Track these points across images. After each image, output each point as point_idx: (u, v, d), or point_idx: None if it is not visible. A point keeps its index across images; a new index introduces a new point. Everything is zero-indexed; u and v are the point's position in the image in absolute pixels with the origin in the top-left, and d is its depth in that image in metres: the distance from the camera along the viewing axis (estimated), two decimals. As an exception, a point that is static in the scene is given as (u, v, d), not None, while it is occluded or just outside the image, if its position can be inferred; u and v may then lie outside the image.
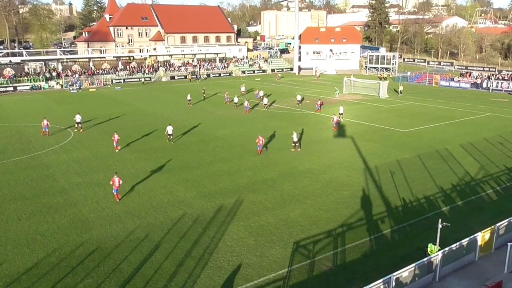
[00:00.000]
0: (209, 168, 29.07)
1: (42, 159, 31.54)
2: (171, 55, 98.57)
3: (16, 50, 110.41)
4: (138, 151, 33.57)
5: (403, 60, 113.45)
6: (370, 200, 23.45)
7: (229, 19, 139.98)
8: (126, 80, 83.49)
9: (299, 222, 20.77)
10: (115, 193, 23.78)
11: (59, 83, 77.41)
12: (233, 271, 16.62)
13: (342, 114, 44.30)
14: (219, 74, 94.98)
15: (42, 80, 76.67)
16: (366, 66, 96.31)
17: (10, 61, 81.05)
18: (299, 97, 54.53)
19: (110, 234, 19.72)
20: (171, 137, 36.09)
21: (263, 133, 35.89)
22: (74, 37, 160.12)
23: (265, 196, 24.08)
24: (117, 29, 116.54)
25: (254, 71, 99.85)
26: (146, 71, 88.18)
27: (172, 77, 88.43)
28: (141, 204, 23.05)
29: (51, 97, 64.50)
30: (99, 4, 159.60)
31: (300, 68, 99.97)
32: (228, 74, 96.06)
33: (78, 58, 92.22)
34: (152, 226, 20.44)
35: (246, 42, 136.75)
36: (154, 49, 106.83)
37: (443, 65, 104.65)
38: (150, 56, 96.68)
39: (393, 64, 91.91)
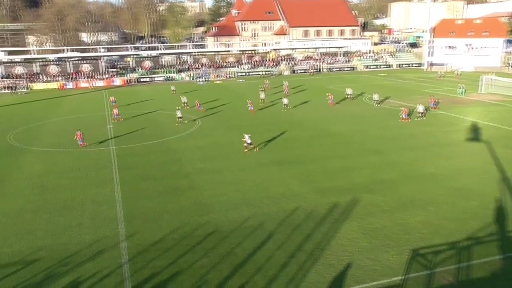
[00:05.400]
0: (324, 164, 28.74)
1: (171, 145, 34.39)
2: (293, 49, 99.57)
3: (154, 44, 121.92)
4: (255, 142, 34.46)
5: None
6: (505, 214, 20.85)
7: (355, 12, 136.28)
8: (249, 74, 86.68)
9: (418, 229, 19.40)
10: (80, 143, 33.33)
11: (188, 75, 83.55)
12: (344, 271, 16.22)
13: (350, 94, 47.57)
14: (341, 69, 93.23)
15: (174, 72, 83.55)
16: (509, 63, 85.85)
17: (149, 54, 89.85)
18: (420, 109, 41.93)
19: (227, 219, 20.70)
20: (181, 119, 41.28)
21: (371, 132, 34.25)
22: (204, 32, 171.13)
23: (383, 197, 23.00)
24: (243, 24, 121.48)
25: (378, 66, 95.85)
26: (269, 65, 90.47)
27: (294, 71, 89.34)
28: (257, 194, 23.74)
29: (181, 88, 69.90)
30: (227, 0, 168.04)
31: (431, 64, 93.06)
32: (351, 68, 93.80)
33: (206, 52, 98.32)
34: (266, 216, 20.94)
35: (372, 35, 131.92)
36: (277, 43, 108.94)
37: None
38: (272, 49, 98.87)
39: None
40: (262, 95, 52.40)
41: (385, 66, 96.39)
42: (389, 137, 35.41)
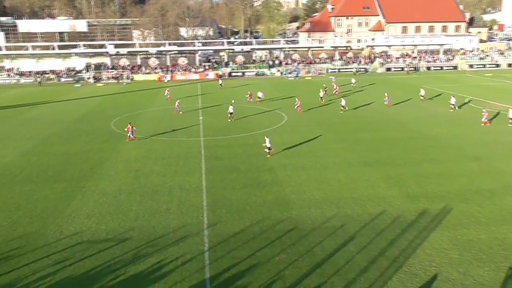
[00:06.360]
0: (416, 168, 27.14)
1: (257, 138, 34.85)
2: (389, 46, 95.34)
3: (248, 39, 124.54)
4: (344, 141, 33.78)
5: None
6: None
7: (461, 6, 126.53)
8: (341, 70, 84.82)
9: (520, 246, 17.51)
10: (130, 135, 34.31)
11: (279, 70, 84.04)
12: (429, 282, 15.21)
13: (454, 104, 43.74)
14: (441, 67, 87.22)
15: (265, 67, 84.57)
16: None
17: (242, 49, 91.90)
18: (511, 114, 37.56)
19: (308, 217, 20.46)
20: (231, 115, 40.93)
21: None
22: (297, 28, 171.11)
23: (479, 208, 21.10)
24: (338, 19, 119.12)
25: (484, 65, 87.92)
26: (362, 62, 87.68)
27: (388, 69, 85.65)
28: (341, 194, 23.16)
29: (270, 83, 70.63)
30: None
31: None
32: (452, 67, 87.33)
33: (298, 48, 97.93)
34: (348, 217, 20.34)
35: (479, 32, 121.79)
36: (372, 39, 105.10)
37: None
38: (367, 46, 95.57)
39: None
40: (321, 93, 51.20)
41: (493, 66, 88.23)
42: (491, 142, 32.45)
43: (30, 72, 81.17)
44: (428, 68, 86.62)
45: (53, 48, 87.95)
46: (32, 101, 56.91)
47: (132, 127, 34.98)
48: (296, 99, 46.39)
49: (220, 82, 68.49)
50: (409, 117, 41.95)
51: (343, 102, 45.08)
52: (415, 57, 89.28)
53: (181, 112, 45.23)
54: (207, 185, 24.77)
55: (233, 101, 41.70)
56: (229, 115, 41.37)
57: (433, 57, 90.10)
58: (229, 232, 19.07)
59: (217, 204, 22.03)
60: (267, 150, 29.57)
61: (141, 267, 16.43)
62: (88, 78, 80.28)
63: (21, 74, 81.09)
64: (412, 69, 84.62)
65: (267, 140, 29.59)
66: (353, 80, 63.55)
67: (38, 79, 77.57)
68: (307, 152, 30.90)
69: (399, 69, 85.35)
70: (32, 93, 65.56)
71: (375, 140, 33.96)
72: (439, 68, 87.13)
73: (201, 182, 25.28)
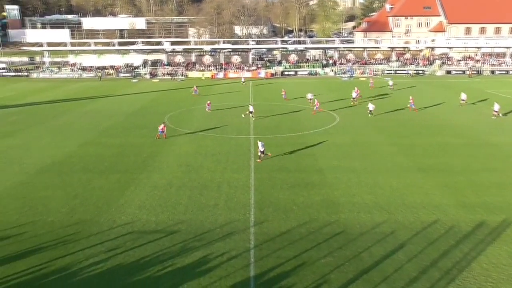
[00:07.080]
0: (475, 177, 25.72)
1: (307, 139, 34.50)
2: (450, 48, 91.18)
3: (302, 38, 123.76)
4: (397, 145, 32.69)
5: None
6: None
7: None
8: (397, 72, 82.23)
9: None
10: (159, 133, 34.52)
11: (333, 70, 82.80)
12: (485, 299, 14.36)
13: (497, 111, 41.32)
14: (507, 72, 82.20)
15: (319, 67, 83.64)
16: None
17: (296, 48, 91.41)
18: None
19: (357, 221, 19.96)
20: (251, 114, 41.17)
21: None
22: (353, 27, 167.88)
23: (545, 223, 19.66)
24: (396, 19, 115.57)
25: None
26: (420, 64, 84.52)
27: (448, 72, 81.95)
28: (392, 200, 22.40)
29: (323, 83, 69.79)
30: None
31: None
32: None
33: (353, 48, 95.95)
34: (399, 224, 19.63)
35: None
36: (433, 40, 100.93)
37: None
38: (426, 47, 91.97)
39: None
40: (354, 95, 50.10)
41: None
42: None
43: (91, 67, 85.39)
44: (492, 72, 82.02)
45: (113, 45, 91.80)
46: (92, 94, 59.82)
47: (165, 126, 35.47)
48: (316, 100, 45.61)
49: (243, 79, 70.36)
50: (466, 122, 39.91)
51: (370, 107, 42.93)
52: (478, 60, 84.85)
53: (209, 110, 46.00)
54: (255, 183, 24.82)
55: (249, 110, 42.10)
56: (248, 113, 41.58)
57: (499, 60, 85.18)
58: (275, 231, 19.00)
59: (265, 203, 22.02)
60: (260, 154, 28.56)
61: (188, 260, 16.73)
62: (145, 74, 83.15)
63: (83, 69, 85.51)
64: (475, 72, 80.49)
65: (259, 144, 28.56)
66: (391, 82, 61.72)
67: (99, 74, 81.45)
68: (358, 155, 30.19)
69: (460, 72, 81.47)
70: (92, 87, 68.91)
71: (430, 145, 32.58)
72: (504, 72, 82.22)
73: (249, 179, 25.38)
